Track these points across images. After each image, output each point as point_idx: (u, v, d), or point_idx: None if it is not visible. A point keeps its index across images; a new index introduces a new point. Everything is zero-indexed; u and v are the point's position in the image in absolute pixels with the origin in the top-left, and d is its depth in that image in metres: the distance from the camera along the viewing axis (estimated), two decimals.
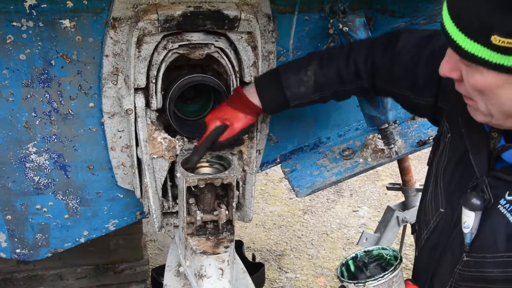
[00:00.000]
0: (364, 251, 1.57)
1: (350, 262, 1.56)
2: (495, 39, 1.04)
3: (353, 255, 1.57)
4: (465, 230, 1.26)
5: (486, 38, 1.06)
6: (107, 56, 1.73)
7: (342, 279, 1.50)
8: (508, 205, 1.21)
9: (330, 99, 1.73)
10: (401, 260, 1.47)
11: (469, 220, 1.24)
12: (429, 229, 1.43)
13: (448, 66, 1.20)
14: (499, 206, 1.23)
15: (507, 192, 1.22)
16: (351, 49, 1.65)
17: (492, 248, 1.23)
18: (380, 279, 1.42)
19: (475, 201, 1.23)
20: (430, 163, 1.51)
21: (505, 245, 1.21)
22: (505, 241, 1.21)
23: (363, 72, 1.62)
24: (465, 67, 1.15)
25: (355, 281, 1.46)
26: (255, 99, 1.69)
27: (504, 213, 1.22)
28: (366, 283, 1.43)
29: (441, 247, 1.38)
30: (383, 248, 1.56)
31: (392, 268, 1.44)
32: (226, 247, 1.63)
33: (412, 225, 1.57)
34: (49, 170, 1.88)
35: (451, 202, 1.36)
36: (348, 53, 1.64)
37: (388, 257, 1.54)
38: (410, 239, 3.62)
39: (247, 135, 1.83)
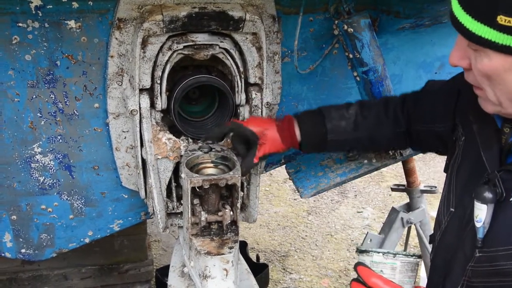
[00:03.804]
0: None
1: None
2: (501, 19, 1.05)
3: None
4: (478, 224, 1.25)
5: (492, 18, 1.06)
6: (112, 56, 1.73)
7: (369, 249, 1.42)
8: None
9: (363, 146, 1.80)
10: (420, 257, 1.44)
11: (481, 213, 1.24)
12: (441, 230, 1.43)
13: (457, 55, 1.20)
14: (511, 199, 1.22)
15: None
16: (388, 100, 1.78)
17: (505, 241, 1.22)
18: (409, 257, 1.37)
19: (487, 194, 1.23)
20: (446, 169, 1.51)
21: None
22: None
23: (401, 118, 1.72)
24: (473, 53, 1.15)
25: (385, 251, 1.39)
26: (296, 130, 1.74)
27: None
28: (397, 255, 1.37)
29: (453, 248, 1.37)
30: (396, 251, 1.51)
31: (419, 255, 1.41)
32: (231, 247, 1.63)
33: (430, 236, 1.56)
34: (54, 171, 1.89)
35: (462, 201, 1.35)
36: (386, 103, 1.76)
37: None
38: (414, 240, 3.60)
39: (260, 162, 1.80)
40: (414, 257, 1.39)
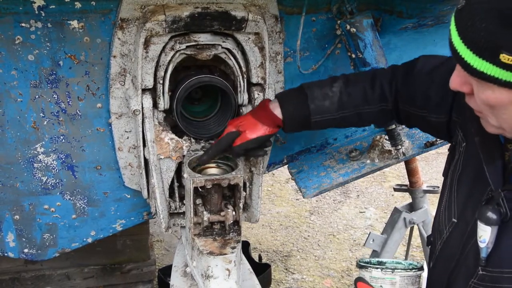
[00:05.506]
0: (378, 261, 1.52)
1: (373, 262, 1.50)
2: (504, 57, 1.03)
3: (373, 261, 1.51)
4: (481, 245, 1.23)
5: (494, 56, 1.04)
6: (114, 57, 1.73)
7: (368, 264, 1.43)
8: None
9: (350, 124, 1.73)
10: (422, 268, 1.44)
11: (485, 234, 1.22)
12: (442, 239, 1.41)
13: (459, 80, 1.18)
14: None
15: None
16: (375, 73, 1.67)
17: (509, 263, 1.21)
18: (409, 270, 1.38)
19: (491, 215, 1.21)
20: (445, 173, 1.49)
21: None
22: None
23: (388, 94, 1.63)
24: (476, 83, 1.13)
25: (383, 267, 1.40)
26: (277, 111, 1.67)
27: None
28: (395, 270, 1.38)
29: (455, 259, 1.36)
30: (397, 262, 1.51)
31: (420, 266, 1.40)
32: (233, 247, 1.64)
33: (428, 237, 1.54)
34: (57, 170, 1.89)
35: (464, 212, 1.34)
36: (373, 77, 1.66)
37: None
38: (417, 240, 3.60)
39: (266, 147, 1.81)
40: (414, 270, 1.39)
